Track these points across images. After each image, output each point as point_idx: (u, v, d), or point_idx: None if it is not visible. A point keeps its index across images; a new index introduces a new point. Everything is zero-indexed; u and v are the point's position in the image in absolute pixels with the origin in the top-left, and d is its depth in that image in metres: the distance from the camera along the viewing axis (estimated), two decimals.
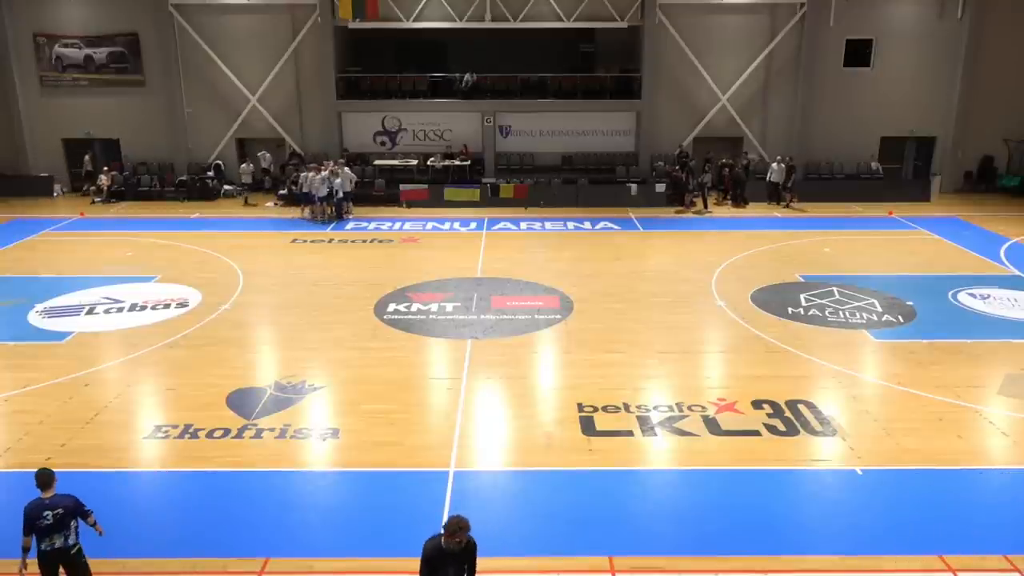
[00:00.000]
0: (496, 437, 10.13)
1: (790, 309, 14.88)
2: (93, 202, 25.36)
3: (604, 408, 10.74)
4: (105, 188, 25.36)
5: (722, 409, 10.72)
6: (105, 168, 25.75)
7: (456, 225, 22.53)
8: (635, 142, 27.40)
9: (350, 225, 22.57)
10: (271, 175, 26.80)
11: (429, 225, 22.54)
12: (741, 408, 10.75)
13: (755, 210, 24.48)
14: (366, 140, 27.55)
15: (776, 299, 15.46)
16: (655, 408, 10.77)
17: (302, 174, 23.22)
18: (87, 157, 26.16)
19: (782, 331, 13.77)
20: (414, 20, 26.22)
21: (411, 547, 7.73)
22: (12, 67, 26.37)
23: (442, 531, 5.82)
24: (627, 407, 10.78)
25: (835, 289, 16.07)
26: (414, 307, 15.11)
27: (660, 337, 13.57)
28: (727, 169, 25.42)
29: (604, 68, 28.45)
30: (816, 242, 20.30)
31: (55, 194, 25.99)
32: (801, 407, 10.78)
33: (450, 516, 5.88)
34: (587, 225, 22.54)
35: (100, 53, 26.51)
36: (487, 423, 10.49)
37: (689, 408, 10.75)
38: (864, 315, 14.57)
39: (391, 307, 15.11)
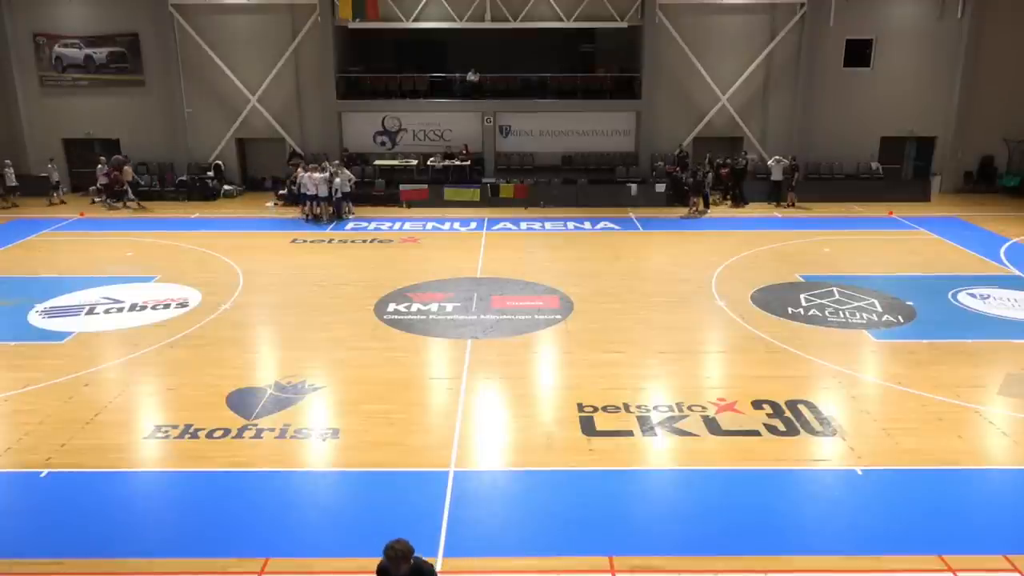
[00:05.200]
0: (496, 437, 10.12)
1: (790, 309, 14.88)
2: (93, 202, 25.35)
3: (604, 408, 10.74)
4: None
5: (722, 409, 10.72)
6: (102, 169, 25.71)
7: (456, 225, 22.53)
8: (635, 142, 27.38)
9: (350, 225, 22.57)
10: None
11: (429, 225, 22.54)
12: (741, 408, 10.75)
13: (755, 210, 24.49)
14: (366, 140, 27.54)
15: (776, 299, 15.46)
16: (655, 408, 10.77)
17: (301, 174, 23.23)
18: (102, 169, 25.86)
19: (782, 331, 13.77)
20: (414, 20, 26.21)
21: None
22: (12, 67, 26.36)
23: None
24: (627, 407, 10.78)
25: (835, 289, 16.07)
26: (414, 307, 15.11)
27: (660, 337, 13.57)
28: (726, 168, 25.40)
29: (604, 68, 28.45)
30: (816, 242, 20.30)
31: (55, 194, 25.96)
32: (801, 407, 10.78)
33: (391, 542, 5.50)
34: (587, 225, 22.54)
35: (100, 53, 26.49)
36: (487, 423, 10.48)
37: (689, 408, 10.75)
38: (864, 315, 14.57)
39: (391, 307, 15.11)
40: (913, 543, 7.82)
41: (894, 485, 8.95)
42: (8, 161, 25.14)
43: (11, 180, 24.83)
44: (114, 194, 24.76)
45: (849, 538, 7.93)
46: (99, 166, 24.82)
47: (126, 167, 24.91)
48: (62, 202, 25.33)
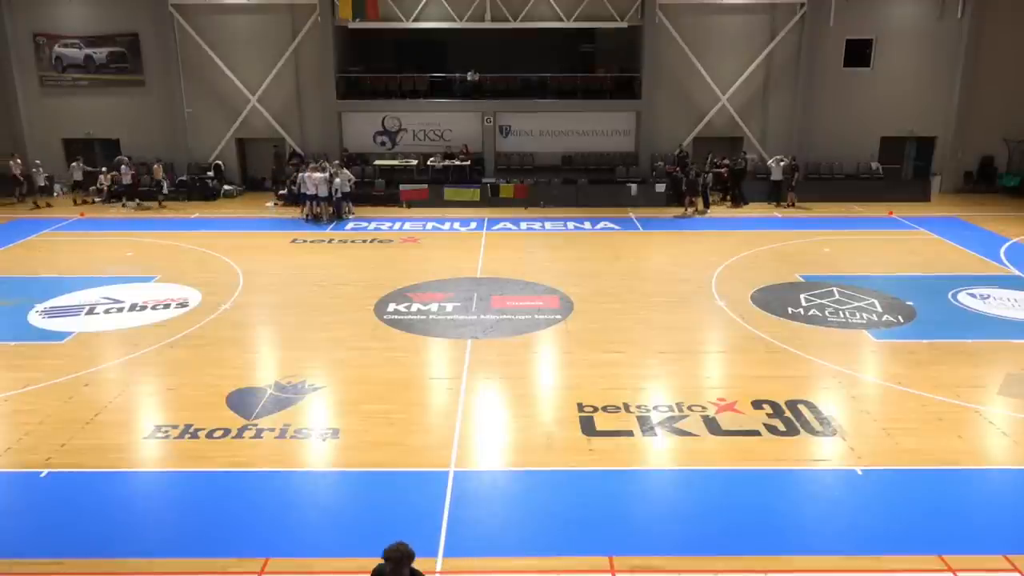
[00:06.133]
0: (496, 437, 10.12)
1: (790, 309, 14.88)
2: (93, 202, 25.36)
3: (604, 408, 10.74)
4: (105, 188, 25.35)
5: (722, 409, 10.72)
6: (104, 169, 25.75)
7: (456, 225, 22.53)
8: (635, 142, 27.38)
9: (350, 225, 22.58)
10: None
11: (429, 225, 22.54)
12: (741, 408, 10.75)
13: (755, 210, 24.48)
14: (366, 140, 27.54)
15: (776, 299, 15.46)
16: (655, 408, 10.77)
17: (300, 174, 23.27)
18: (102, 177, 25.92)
19: (782, 331, 13.77)
20: (414, 20, 26.21)
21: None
22: (12, 67, 26.38)
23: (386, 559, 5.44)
24: (627, 407, 10.78)
25: (835, 289, 16.07)
26: (414, 307, 15.11)
27: (660, 337, 13.57)
28: (723, 168, 25.40)
29: (604, 68, 28.47)
30: (816, 242, 20.29)
31: (55, 194, 25.99)
32: (801, 407, 10.78)
33: (395, 544, 5.41)
34: (587, 225, 22.54)
35: (100, 53, 26.51)
36: (487, 423, 10.48)
37: (689, 408, 10.75)
38: (864, 315, 14.57)
39: (391, 307, 15.11)
40: (913, 543, 7.82)
41: (894, 485, 8.95)
42: (37, 161, 25.34)
43: (40, 181, 24.98)
44: (117, 194, 24.84)
45: (849, 538, 7.93)
46: (123, 166, 24.94)
47: (156, 166, 25.16)
48: (84, 201, 25.36)
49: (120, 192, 24.88)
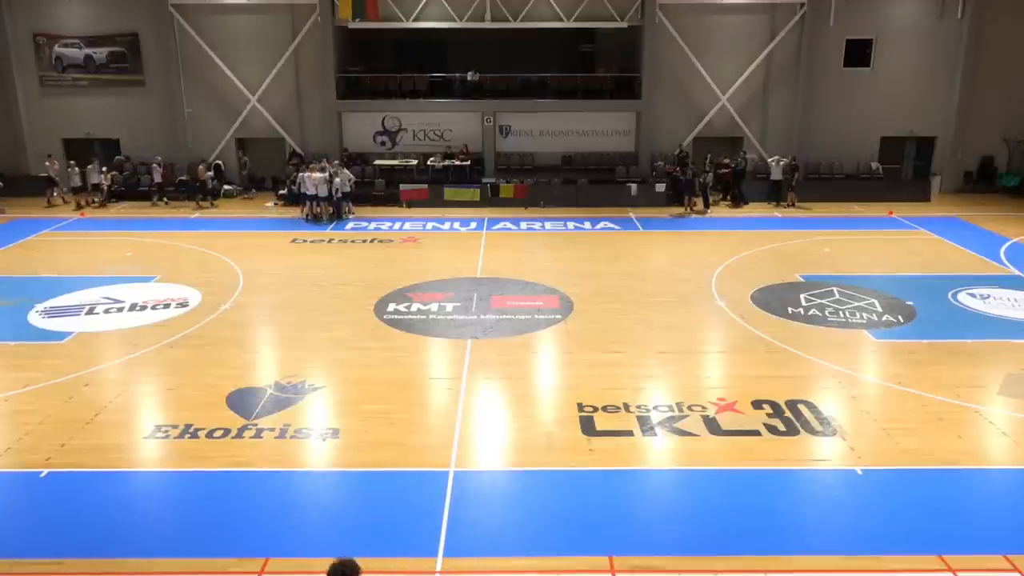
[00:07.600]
0: (496, 437, 10.12)
1: (790, 309, 14.88)
2: (94, 202, 25.34)
3: (604, 408, 10.74)
4: (105, 188, 25.34)
5: (722, 409, 10.72)
6: (104, 169, 25.72)
7: (456, 225, 22.53)
8: (635, 142, 27.38)
9: (350, 225, 22.58)
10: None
11: (429, 225, 22.54)
12: (741, 408, 10.74)
13: (755, 210, 24.49)
14: (366, 140, 27.54)
15: (776, 299, 15.46)
16: (655, 408, 10.76)
17: (300, 174, 23.28)
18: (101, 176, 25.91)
19: (782, 331, 13.76)
20: (414, 20, 26.21)
21: (411, 547, 7.77)
22: (12, 67, 26.38)
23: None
24: (627, 407, 10.78)
25: (835, 289, 16.07)
26: (414, 307, 15.11)
27: (660, 337, 13.57)
28: (724, 168, 25.41)
29: (604, 68, 28.49)
30: (816, 242, 20.30)
31: (55, 194, 25.96)
32: (801, 407, 10.77)
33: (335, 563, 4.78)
34: (587, 225, 22.54)
35: (100, 53, 26.52)
36: (487, 423, 10.48)
37: (689, 408, 10.75)
38: (864, 315, 14.57)
39: (391, 307, 15.11)
40: (913, 543, 7.82)
41: (894, 485, 8.95)
42: (72, 162, 25.41)
43: (75, 180, 25.09)
44: (117, 194, 24.83)
45: (849, 538, 7.93)
46: (154, 164, 25.11)
47: (201, 166, 25.28)
48: (103, 203, 25.28)
49: (121, 192, 24.87)
